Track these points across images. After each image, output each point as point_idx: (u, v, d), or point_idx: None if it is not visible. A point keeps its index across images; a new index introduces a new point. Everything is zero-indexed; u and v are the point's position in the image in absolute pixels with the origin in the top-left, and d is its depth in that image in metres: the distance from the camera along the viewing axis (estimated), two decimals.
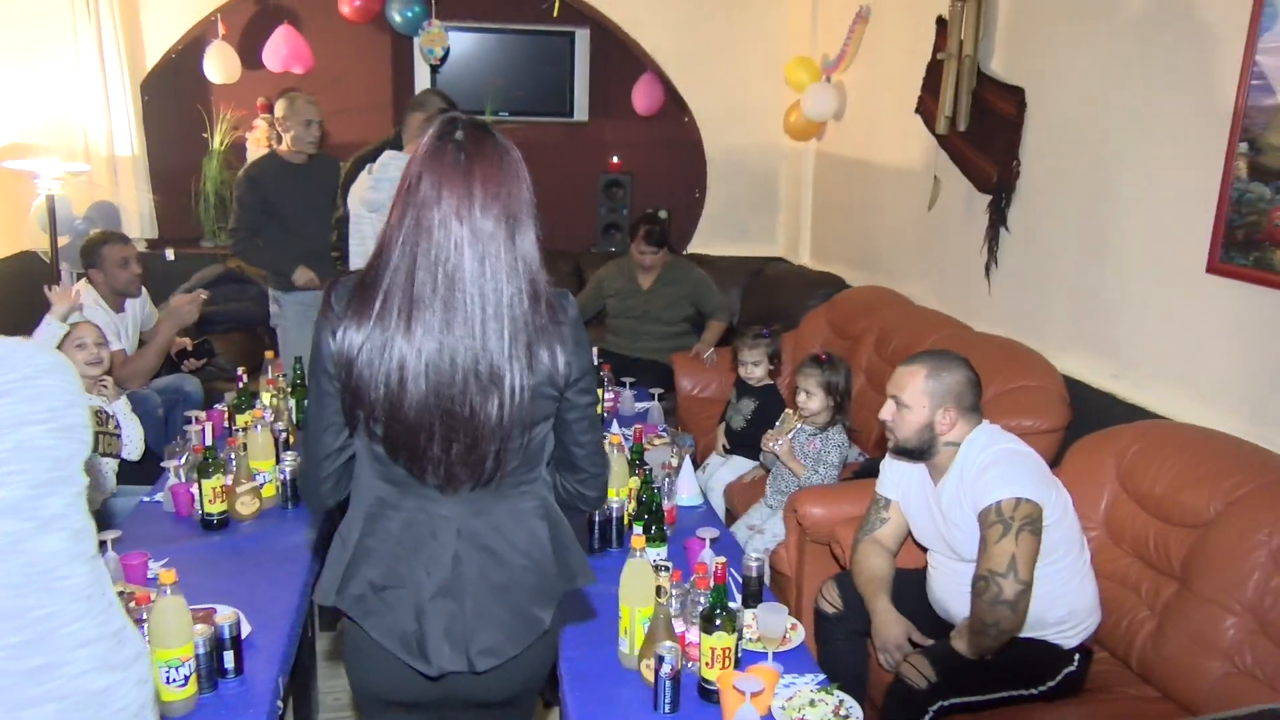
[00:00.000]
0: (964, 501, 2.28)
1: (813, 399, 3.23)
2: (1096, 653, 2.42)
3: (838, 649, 2.56)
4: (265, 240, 4.31)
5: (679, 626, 2.12)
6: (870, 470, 3.12)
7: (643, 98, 5.97)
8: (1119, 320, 3.16)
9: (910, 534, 2.56)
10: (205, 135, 5.58)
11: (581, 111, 6.00)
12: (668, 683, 1.93)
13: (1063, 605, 2.29)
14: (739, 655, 2.06)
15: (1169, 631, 2.31)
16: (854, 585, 2.56)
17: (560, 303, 1.60)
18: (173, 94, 5.56)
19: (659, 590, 2.04)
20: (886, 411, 2.40)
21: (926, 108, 4.21)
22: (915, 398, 2.34)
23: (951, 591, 2.39)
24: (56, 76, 5.07)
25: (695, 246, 6.21)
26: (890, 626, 2.44)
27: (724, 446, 3.81)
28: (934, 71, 4.12)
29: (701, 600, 2.11)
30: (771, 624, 2.13)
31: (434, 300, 1.50)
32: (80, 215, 4.81)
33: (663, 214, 5.02)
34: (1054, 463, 2.81)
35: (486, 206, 1.51)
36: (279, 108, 4.29)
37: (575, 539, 1.74)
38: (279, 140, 4.42)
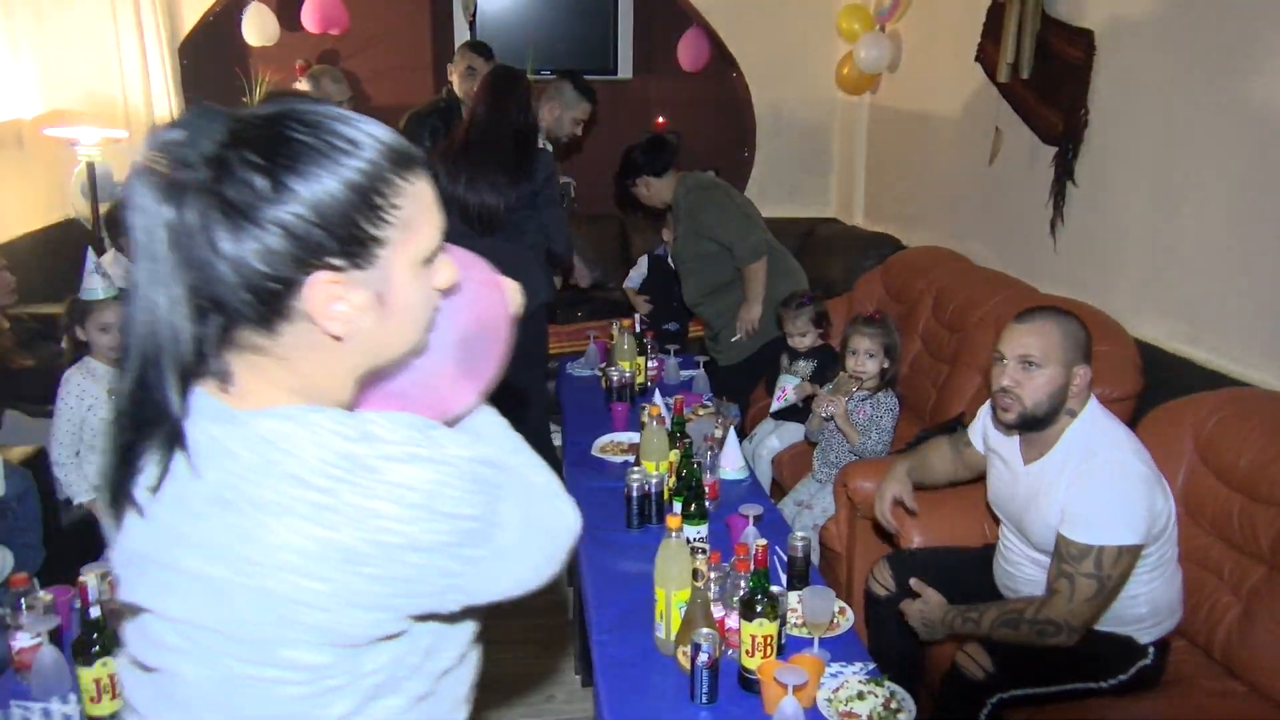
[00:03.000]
0: (1056, 492, 2.06)
1: (872, 360, 3.04)
2: (1175, 642, 2.23)
3: (890, 635, 2.38)
4: None
5: (718, 611, 2.00)
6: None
7: (689, 53, 5.75)
8: (1196, 279, 2.94)
9: (987, 499, 2.37)
10: (245, 99, 5.48)
11: (625, 68, 5.81)
12: (705, 672, 1.82)
13: (1144, 603, 2.10)
14: (783, 641, 1.95)
15: (1258, 619, 2.12)
16: (907, 564, 2.41)
17: (539, 160, 3.43)
18: (211, 57, 5.48)
19: (696, 573, 1.90)
20: (1008, 377, 2.07)
21: (987, 55, 3.98)
22: (1049, 353, 2.04)
23: (1022, 577, 2.21)
24: (94, 42, 5.00)
25: None
26: (891, 481, 2.47)
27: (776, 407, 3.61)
28: (995, 16, 3.89)
29: (742, 584, 1.99)
30: (818, 609, 2.01)
31: (473, 148, 3.35)
32: (120, 182, 4.76)
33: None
34: None
35: (493, 97, 3.38)
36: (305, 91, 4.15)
37: (545, 272, 3.58)
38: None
